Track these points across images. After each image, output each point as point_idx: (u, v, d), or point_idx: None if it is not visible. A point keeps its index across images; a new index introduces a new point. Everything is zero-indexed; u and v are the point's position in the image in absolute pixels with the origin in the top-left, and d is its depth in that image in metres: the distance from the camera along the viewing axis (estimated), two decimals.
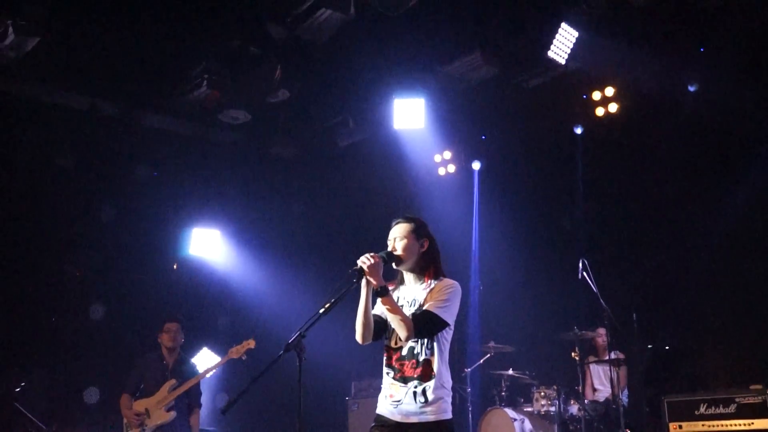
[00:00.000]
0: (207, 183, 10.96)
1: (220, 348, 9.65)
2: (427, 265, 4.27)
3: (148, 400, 7.33)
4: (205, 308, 10.79)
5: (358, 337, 4.16)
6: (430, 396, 4.01)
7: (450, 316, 4.11)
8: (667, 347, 8.76)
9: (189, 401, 7.49)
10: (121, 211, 10.25)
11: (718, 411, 6.96)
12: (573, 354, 8.62)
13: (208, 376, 7.71)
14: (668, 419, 7.22)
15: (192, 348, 9.49)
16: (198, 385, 7.56)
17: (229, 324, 10.79)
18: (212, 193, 11.04)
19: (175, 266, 10.93)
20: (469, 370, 9.34)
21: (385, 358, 4.24)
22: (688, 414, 7.12)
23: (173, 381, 7.39)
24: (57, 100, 9.49)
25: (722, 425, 6.91)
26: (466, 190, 10.82)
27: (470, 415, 9.07)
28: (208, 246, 10.81)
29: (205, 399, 7.97)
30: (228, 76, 9.06)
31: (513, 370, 9.05)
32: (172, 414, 7.27)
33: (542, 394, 8.76)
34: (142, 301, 9.99)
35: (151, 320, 8.18)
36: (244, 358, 7.38)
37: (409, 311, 4.16)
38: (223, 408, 3.82)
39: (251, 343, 7.37)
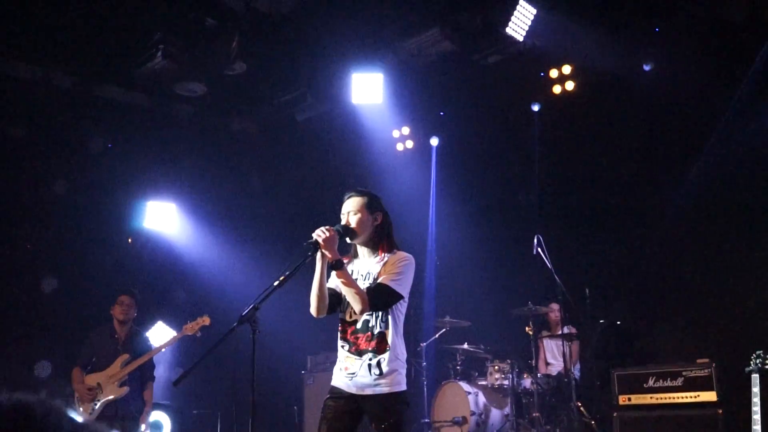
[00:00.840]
0: (163, 156, 10.82)
1: (175, 322, 9.58)
2: (381, 239, 4.30)
3: (100, 375, 7.28)
4: (160, 282, 10.69)
5: (313, 311, 4.18)
6: (385, 368, 4.05)
7: (404, 288, 4.15)
8: (618, 322, 8.92)
9: (142, 375, 7.47)
10: (74, 183, 10.09)
11: (665, 384, 7.12)
12: (527, 329, 8.73)
13: (162, 350, 7.68)
14: (618, 392, 7.36)
15: (147, 322, 9.42)
16: (151, 359, 7.54)
17: (185, 298, 10.72)
18: (168, 166, 10.91)
19: (129, 240, 10.81)
20: (424, 344, 9.41)
21: (339, 331, 4.27)
22: (637, 387, 7.27)
23: (126, 356, 7.35)
24: (9, 70, 9.28)
25: (669, 398, 7.07)
26: (424, 165, 10.86)
27: (425, 389, 9.15)
28: (164, 220, 10.69)
29: (159, 372, 7.95)
30: (184, 47, 8.93)
31: (468, 344, 9.13)
32: (125, 389, 7.24)
33: (496, 368, 8.86)
34: (96, 274, 9.87)
35: (104, 294, 8.10)
36: (198, 335, 7.38)
37: (363, 284, 4.19)
38: (175, 381, 3.81)
39: (206, 320, 7.38)
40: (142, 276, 10.29)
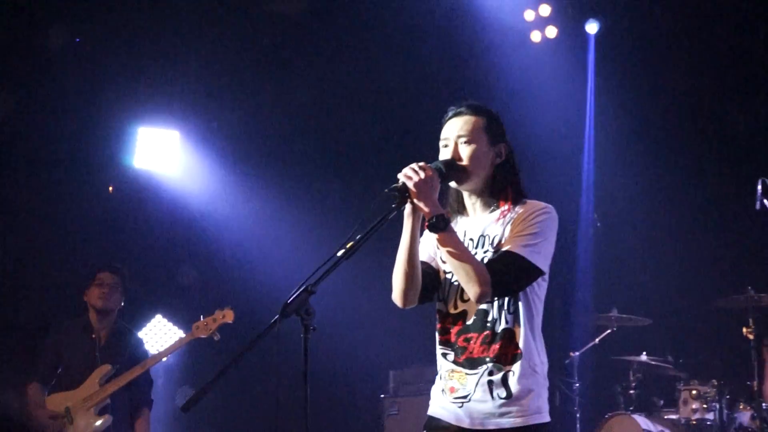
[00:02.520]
0: (160, 56, 10.90)
1: (181, 316, 9.76)
2: (504, 184, 4.24)
3: (70, 395, 7.40)
4: (159, 254, 10.84)
5: (397, 297, 4.18)
6: (515, 387, 4.02)
7: (543, 258, 4.08)
8: None
9: (133, 397, 7.58)
10: (24, 98, 10.22)
11: None
12: (745, 330, 8.59)
13: (163, 360, 7.80)
14: None
15: (139, 315, 9.58)
16: (147, 373, 7.64)
17: (197, 279, 10.84)
18: (168, 73, 10.98)
19: (110, 188, 10.95)
20: (576, 353, 9.38)
21: (439, 330, 4.26)
22: None
23: (107, 367, 7.46)
24: None
25: None
26: (575, 66, 10.76)
27: (578, 424, 9.14)
28: (163, 156, 10.79)
29: (159, 394, 8.08)
30: None
31: (647, 355, 9.07)
32: (107, 419, 7.35)
33: (694, 393, 8.78)
34: (59, 242, 10.02)
35: (74, 272, 8.24)
36: (217, 338, 7.44)
37: (476, 255, 4.15)
38: (183, 405, 3.82)
39: (227, 316, 7.42)
40: (129, 244, 10.43)
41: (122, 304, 7.77)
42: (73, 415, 7.33)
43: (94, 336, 7.60)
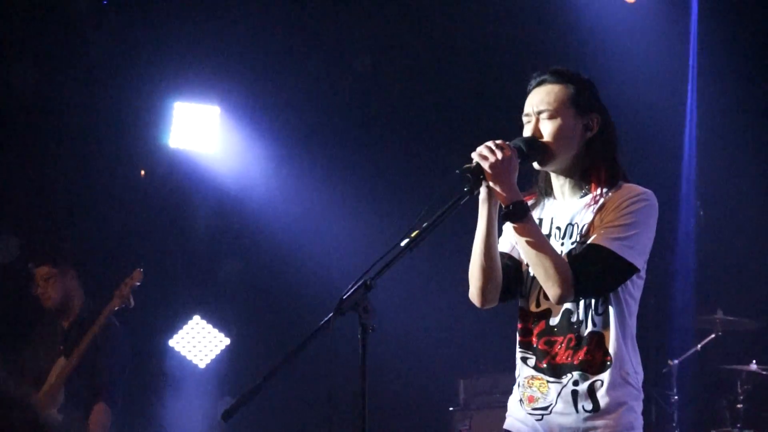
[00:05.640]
0: (199, 21, 10.93)
1: (224, 316, 9.80)
2: (596, 163, 4.23)
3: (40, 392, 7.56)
4: (197, 247, 10.89)
5: (475, 295, 4.21)
6: (603, 399, 4.03)
7: (638, 254, 4.07)
8: None
9: (86, 389, 7.59)
10: (46, 68, 10.31)
11: None
12: None
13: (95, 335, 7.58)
14: None
15: (174, 317, 9.64)
16: (107, 361, 7.57)
17: (241, 273, 10.88)
18: (208, 41, 11.01)
19: (142, 172, 11.00)
20: (675, 361, 9.33)
21: (520, 330, 4.27)
22: None
23: (62, 360, 7.58)
24: None
25: None
26: (676, 28, 10.65)
27: None
28: (201, 134, 10.84)
29: (204, 402, 8.11)
30: None
31: (758, 363, 9.02)
32: (54, 414, 7.44)
33: None
34: (83, 235, 10.11)
35: (100, 269, 8.32)
36: (131, 305, 7.46)
37: (562, 247, 4.17)
38: (224, 412, 3.82)
39: (135, 277, 7.54)
40: (162, 236, 10.48)
41: (75, 285, 7.83)
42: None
43: (58, 328, 7.79)
